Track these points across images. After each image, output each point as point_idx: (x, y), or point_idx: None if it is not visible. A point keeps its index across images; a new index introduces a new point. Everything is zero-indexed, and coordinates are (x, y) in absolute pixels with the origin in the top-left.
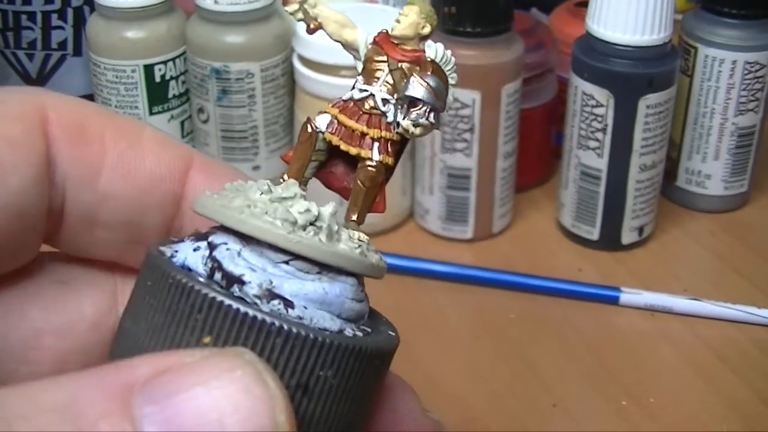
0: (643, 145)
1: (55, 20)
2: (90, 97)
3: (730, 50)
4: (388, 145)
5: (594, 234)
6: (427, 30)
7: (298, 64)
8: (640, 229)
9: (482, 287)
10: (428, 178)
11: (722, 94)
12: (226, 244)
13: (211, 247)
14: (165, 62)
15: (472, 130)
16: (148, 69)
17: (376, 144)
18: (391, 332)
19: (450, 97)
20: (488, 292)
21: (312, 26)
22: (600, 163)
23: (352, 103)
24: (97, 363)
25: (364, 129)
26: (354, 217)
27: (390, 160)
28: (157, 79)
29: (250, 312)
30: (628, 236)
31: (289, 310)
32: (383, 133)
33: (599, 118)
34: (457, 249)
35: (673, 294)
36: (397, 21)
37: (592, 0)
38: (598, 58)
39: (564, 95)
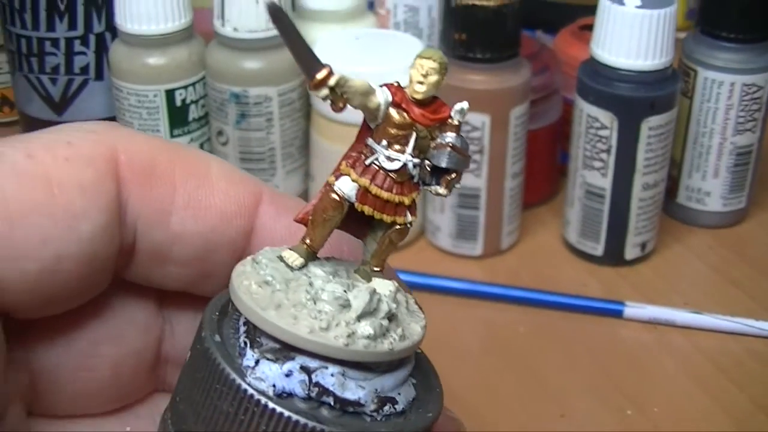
0: (645, 165)
1: (77, 46)
2: (112, 119)
3: (729, 73)
4: (415, 203)
5: (598, 250)
6: (442, 82)
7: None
8: (643, 245)
9: (491, 302)
10: (439, 198)
11: (721, 114)
12: (325, 368)
13: (308, 371)
14: (185, 87)
15: (481, 151)
16: (170, 94)
17: (408, 207)
18: (429, 413)
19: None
20: (497, 306)
21: (340, 105)
22: (604, 182)
23: (379, 171)
24: (149, 366)
25: (400, 199)
26: (377, 268)
27: (416, 216)
28: (178, 103)
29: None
30: (631, 252)
31: (396, 407)
32: (413, 195)
33: (603, 140)
34: (467, 265)
35: (675, 307)
36: (420, 82)
37: (596, 26)
38: (602, 82)
39: (569, 115)
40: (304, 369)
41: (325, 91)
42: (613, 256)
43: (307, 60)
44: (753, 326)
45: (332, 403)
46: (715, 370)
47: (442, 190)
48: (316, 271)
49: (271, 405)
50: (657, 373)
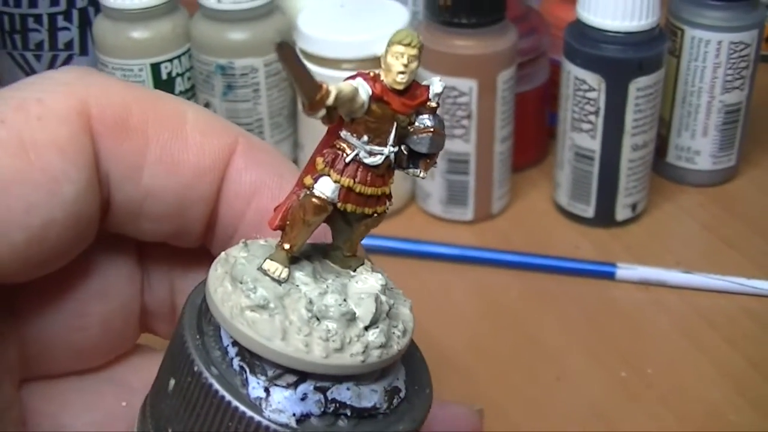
0: (634, 126)
1: (61, 21)
2: None
3: (716, 31)
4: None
5: (589, 212)
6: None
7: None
8: (634, 206)
9: (484, 267)
10: None
11: (709, 73)
12: (340, 383)
13: (323, 390)
14: (171, 60)
15: (469, 116)
16: (155, 67)
17: (388, 196)
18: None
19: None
20: (489, 271)
21: (336, 118)
22: (593, 144)
23: (360, 167)
24: (136, 317)
25: (382, 191)
26: (349, 254)
27: (391, 198)
28: (164, 76)
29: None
30: (622, 213)
31: (400, 395)
32: (391, 182)
33: (592, 102)
34: (459, 230)
35: (667, 267)
36: (402, 72)
37: None
38: (589, 44)
39: (556, 77)
40: (319, 389)
41: (323, 112)
42: (604, 217)
43: (306, 83)
44: (745, 285)
45: (349, 414)
46: (709, 329)
47: (421, 173)
48: (301, 278)
49: None
50: (650, 334)
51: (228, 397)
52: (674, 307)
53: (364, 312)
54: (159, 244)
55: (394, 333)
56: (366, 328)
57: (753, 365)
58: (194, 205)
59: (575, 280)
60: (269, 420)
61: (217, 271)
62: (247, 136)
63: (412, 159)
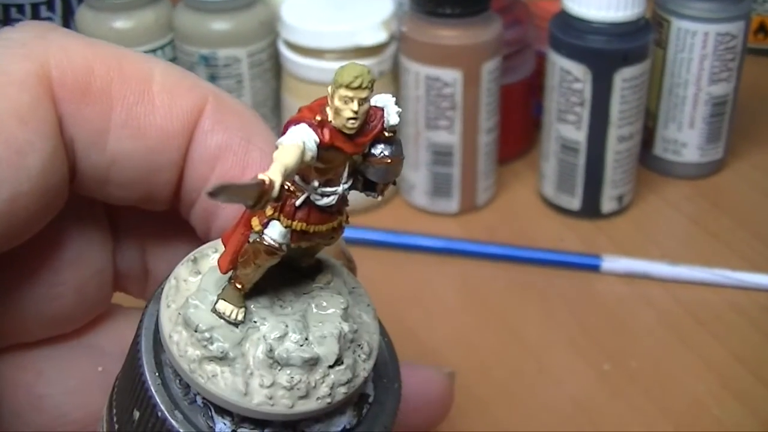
0: (620, 117)
1: (44, 12)
2: None
3: (702, 22)
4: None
5: (575, 204)
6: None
7: (283, 49)
8: (620, 198)
9: (468, 259)
10: (413, 155)
11: (695, 64)
12: (308, 419)
13: (293, 426)
14: (154, 50)
15: (454, 107)
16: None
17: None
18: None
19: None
20: (474, 263)
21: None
22: (579, 135)
23: (312, 209)
24: (109, 281)
25: (338, 221)
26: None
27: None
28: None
29: None
30: (607, 205)
31: (369, 400)
32: (346, 206)
33: (577, 93)
34: (443, 222)
35: (652, 260)
36: (353, 118)
37: None
38: (574, 35)
39: (542, 68)
40: (289, 425)
41: (275, 195)
42: (590, 209)
43: (246, 190)
44: (731, 277)
45: None
46: (694, 322)
47: (377, 197)
48: (258, 311)
49: None
50: (634, 327)
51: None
52: (659, 299)
53: (327, 352)
54: (129, 207)
55: (359, 358)
56: (330, 367)
57: (737, 358)
58: (162, 169)
59: (560, 272)
60: None
61: (169, 307)
62: (219, 95)
63: (368, 183)
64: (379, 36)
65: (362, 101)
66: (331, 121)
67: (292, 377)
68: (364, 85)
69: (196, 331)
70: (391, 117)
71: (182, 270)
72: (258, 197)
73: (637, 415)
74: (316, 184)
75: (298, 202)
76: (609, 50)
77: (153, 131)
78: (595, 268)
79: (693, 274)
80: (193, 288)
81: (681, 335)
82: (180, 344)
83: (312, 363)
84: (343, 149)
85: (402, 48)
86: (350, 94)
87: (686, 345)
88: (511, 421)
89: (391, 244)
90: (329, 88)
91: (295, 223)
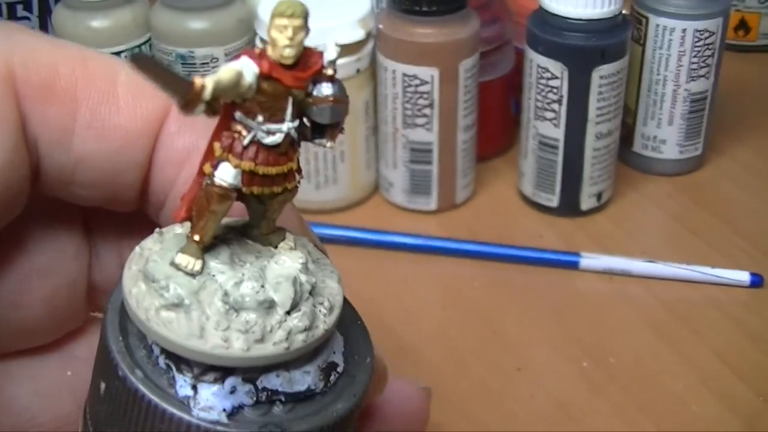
0: (598, 114)
1: (20, 11)
2: None
3: (680, 19)
4: (298, 161)
5: (554, 201)
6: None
7: (261, 47)
8: (599, 195)
9: (447, 257)
10: (391, 153)
11: (674, 61)
12: (269, 371)
13: (252, 380)
14: (131, 49)
15: (431, 105)
16: (115, 57)
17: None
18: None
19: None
20: (453, 261)
21: (217, 108)
22: (557, 132)
23: (260, 148)
24: (83, 295)
25: (288, 167)
26: (267, 231)
27: (302, 172)
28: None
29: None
30: (586, 202)
31: (338, 369)
32: (297, 155)
33: (554, 90)
34: (422, 220)
35: (631, 257)
36: (288, 46)
37: None
38: (551, 32)
39: (521, 65)
40: (248, 379)
41: (201, 106)
42: (569, 207)
43: (175, 85)
44: (710, 274)
45: (283, 399)
46: (673, 319)
47: (328, 143)
48: (217, 266)
49: None
50: (613, 324)
51: (155, 400)
52: (638, 296)
53: (283, 297)
54: (106, 218)
55: (319, 312)
56: (287, 313)
57: (717, 355)
58: (127, 170)
59: (539, 269)
60: (198, 419)
61: (131, 269)
62: None
63: (317, 130)
64: (356, 34)
65: (296, 29)
66: (269, 54)
67: (247, 321)
68: (296, 14)
69: (153, 282)
70: (329, 52)
71: (148, 241)
72: (189, 97)
73: (616, 412)
74: (260, 119)
75: (245, 141)
76: (586, 47)
77: (117, 132)
78: (574, 266)
79: (672, 271)
80: (154, 251)
81: (660, 332)
82: (138, 297)
83: (267, 306)
84: (282, 80)
85: (379, 46)
86: (285, 22)
87: (665, 342)
88: (490, 418)
89: (370, 242)
90: (267, 26)
91: (243, 162)
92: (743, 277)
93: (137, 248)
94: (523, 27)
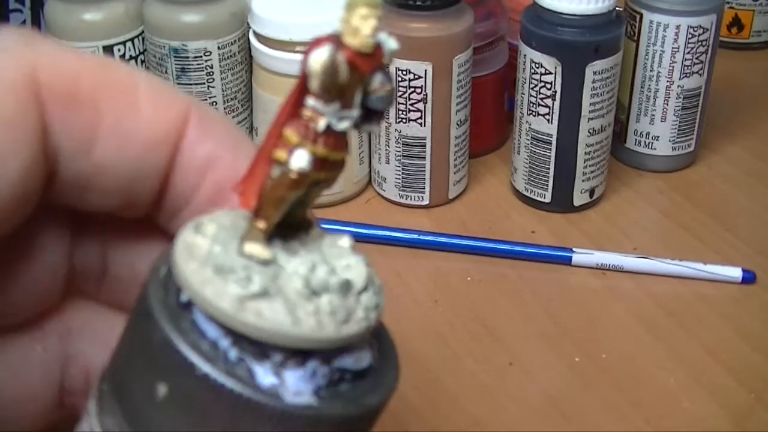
0: (591, 110)
1: (12, 3)
2: None
3: (674, 15)
4: None
5: (546, 197)
6: None
7: (254, 41)
8: (591, 191)
9: (439, 252)
10: (384, 148)
11: (667, 57)
12: (342, 352)
13: (329, 361)
14: (124, 42)
15: (425, 100)
16: (108, 50)
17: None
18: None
19: None
20: (445, 256)
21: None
22: (550, 128)
23: (331, 135)
24: (63, 278)
25: (346, 153)
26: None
27: None
28: (117, 59)
29: None
30: (579, 198)
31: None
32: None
33: (548, 85)
34: (415, 215)
35: (624, 253)
36: (370, 35)
37: None
38: (545, 27)
39: (515, 62)
40: (325, 361)
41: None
42: (562, 202)
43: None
44: (702, 270)
45: (349, 378)
46: (665, 315)
47: (376, 128)
48: (277, 253)
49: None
50: (605, 320)
51: (246, 393)
52: (630, 292)
53: (357, 277)
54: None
55: (376, 288)
56: (359, 292)
57: (708, 351)
58: (145, 178)
59: (531, 265)
60: (293, 405)
61: (189, 265)
62: (200, 106)
63: (366, 117)
64: None
65: (377, 20)
66: (348, 43)
67: (332, 303)
68: (378, 4)
69: (231, 273)
70: (390, 43)
71: (184, 234)
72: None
73: (607, 408)
74: (337, 105)
75: (321, 126)
76: (580, 43)
77: (139, 140)
78: (566, 261)
79: (665, 267)
80: (206, 245)
81: (652, 328)
82: (216, 291)
83: (346, 288)
84: (360, 68)
85: None
86: (367, 12)
87: (657, 338)
88: (481, 413)
89: (363, 237)
90: (342, 15)
91: (319, 148)
92: (735, 273)
93: (179, 245)
94: (517, 24)
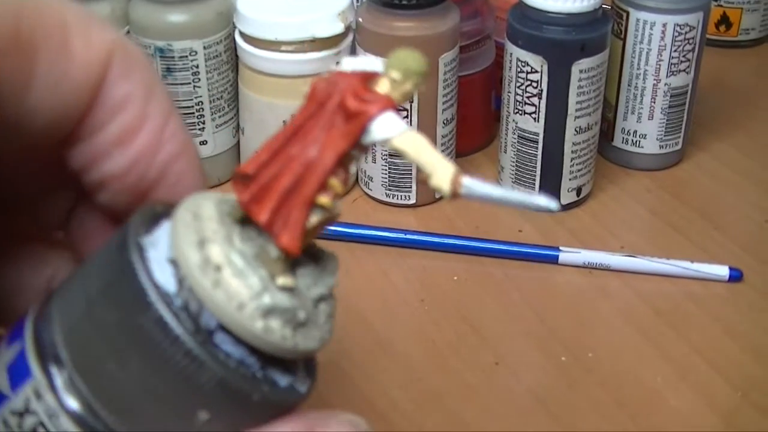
0: (577, 109)
1: None
2: None
3: (661, 13)
4: None
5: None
6: None
7: (240, 41)
8: (578, 190)
9: (426, 251)
10: (370, 147)
11: (654, 55)
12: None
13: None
14: None
15: (411, 99)
16: None
17: None
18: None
19: None
20: (432, 255)
21: None
22: (536, 127)
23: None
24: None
25: None
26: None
27: None
28: None
29: None
30: (566, 197)
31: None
32: None
33: (534, 84)
34: (401, 215)
35: (611, 251)
36: (407, 93)
37: None
38: (531, 26)
39: (502, 60)
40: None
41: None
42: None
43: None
44: (690, 268)
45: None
46: (652, 314)
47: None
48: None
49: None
50: (592, 319)
51: (290, 401)
52: (617, 291)
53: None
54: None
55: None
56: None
57: (695, 350)
58: (69, 117)
59: (518, 264)
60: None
61: (207, 287)
62: (123, 42)
63: None
64: (336, 27)
65: (409, 77)
66: (386, 93)
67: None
68: (424, 69)
69: (287, 313)
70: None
71: (188, 248)
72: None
73: (594, 407)
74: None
75: (353, 171)
76: (566, 41)
77: (70, 82)
78: (553, 260)
79: (652, 266)
80: (211, 229)
81: (639, 327)
82: (275, 330)
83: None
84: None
85: (358, 39)
86: (414, 75)
87: (644, 336)
88: (468, 413)
89: (349, 236)
90: (392, 72)
91: (343, 188)
92: (722, 271)
93: (193, 258)
94: (504, 22)
